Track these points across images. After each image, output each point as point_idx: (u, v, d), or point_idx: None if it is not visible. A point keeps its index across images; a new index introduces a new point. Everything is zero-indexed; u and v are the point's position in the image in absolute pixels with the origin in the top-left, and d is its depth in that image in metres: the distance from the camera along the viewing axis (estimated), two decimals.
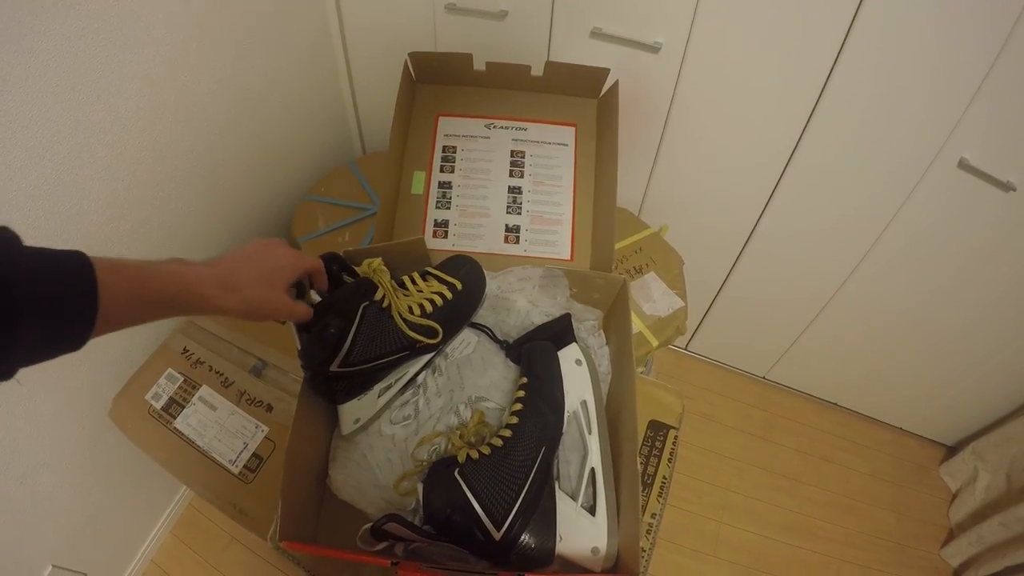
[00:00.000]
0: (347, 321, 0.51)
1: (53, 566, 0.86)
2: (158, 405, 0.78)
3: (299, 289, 0.48)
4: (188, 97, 0.79)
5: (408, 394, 0.62)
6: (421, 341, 0.58)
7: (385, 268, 0.56)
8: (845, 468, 1.25)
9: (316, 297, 0.50)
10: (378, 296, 0.54)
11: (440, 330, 0.59)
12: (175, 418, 0.77)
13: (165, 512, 1.08)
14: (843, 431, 1.30)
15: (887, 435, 1.30)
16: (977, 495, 1.16)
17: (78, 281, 0.29)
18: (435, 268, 0.63)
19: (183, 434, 0.75)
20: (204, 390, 0.78)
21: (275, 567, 1.05)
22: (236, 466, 0.72)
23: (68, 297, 0.29)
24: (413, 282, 0.60)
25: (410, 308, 0.58)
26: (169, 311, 0.36)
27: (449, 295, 0.61)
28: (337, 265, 0.52)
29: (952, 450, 1.29)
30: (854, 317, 1.07)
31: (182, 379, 0.80)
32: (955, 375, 1.11)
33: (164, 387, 0.80)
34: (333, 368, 0.52)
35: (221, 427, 0.75)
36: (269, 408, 0.75)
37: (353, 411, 0.56)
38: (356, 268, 0.55)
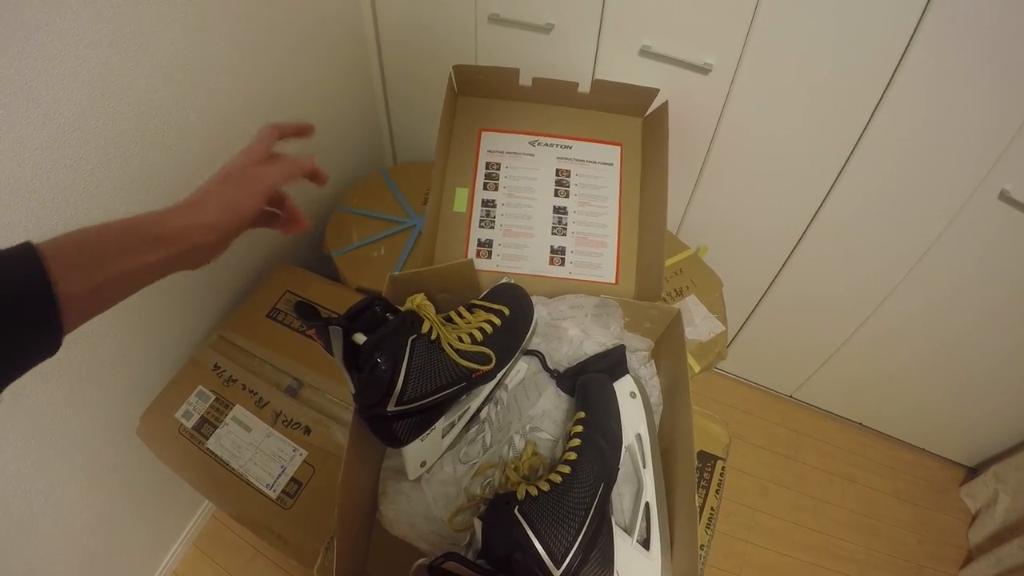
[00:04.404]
0: (397, 357, 0.50)
1: None
2: (189, 424, 0.76)
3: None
4: (222, 102, 0.77)
5: (473, 431, 0.60)
6: (476, 369, 0.57)
7: (429, 303, 0.55)
8: (868, 488, 1.25)
9: (361, 337, 0.49)
10: (425, 329, 0.53)
11: (493, 355, 0.58)
12: (207, 438, 0.75)
13: (188, 524, 1.06)
14: (866, 451, 1.30)
15: (909, 456, 1.30)
16: (997, 517, 1.17)
17: (28, 276, 0.27)
18: (480, 300, 0.62)
19: (216, 455, 0.73)
20: (238, 410, 0.76)
21: None
22: (274, 491, 0.70)
23: (21, 295, 0.27)
24: (460, 316, 0.59)
25: (459, 338, 0.56)
26: (140, 248, 0.33)
27: (498, 321, 0.60)
28: (380, 306, 0.51)
29: (973, 472, 1.29)
30: (884, 341, 1.07)
31: (214, 397, 0.78)
32: (978, 398, 1.10)
33: (195, 405, 0.78)
34: (390, 408, 0.50)
35: (257, 449, 0.73)
36: (307, 431, 0.74)
37: (418, 454, 0.55)
38: (400, 308, 0.54)
